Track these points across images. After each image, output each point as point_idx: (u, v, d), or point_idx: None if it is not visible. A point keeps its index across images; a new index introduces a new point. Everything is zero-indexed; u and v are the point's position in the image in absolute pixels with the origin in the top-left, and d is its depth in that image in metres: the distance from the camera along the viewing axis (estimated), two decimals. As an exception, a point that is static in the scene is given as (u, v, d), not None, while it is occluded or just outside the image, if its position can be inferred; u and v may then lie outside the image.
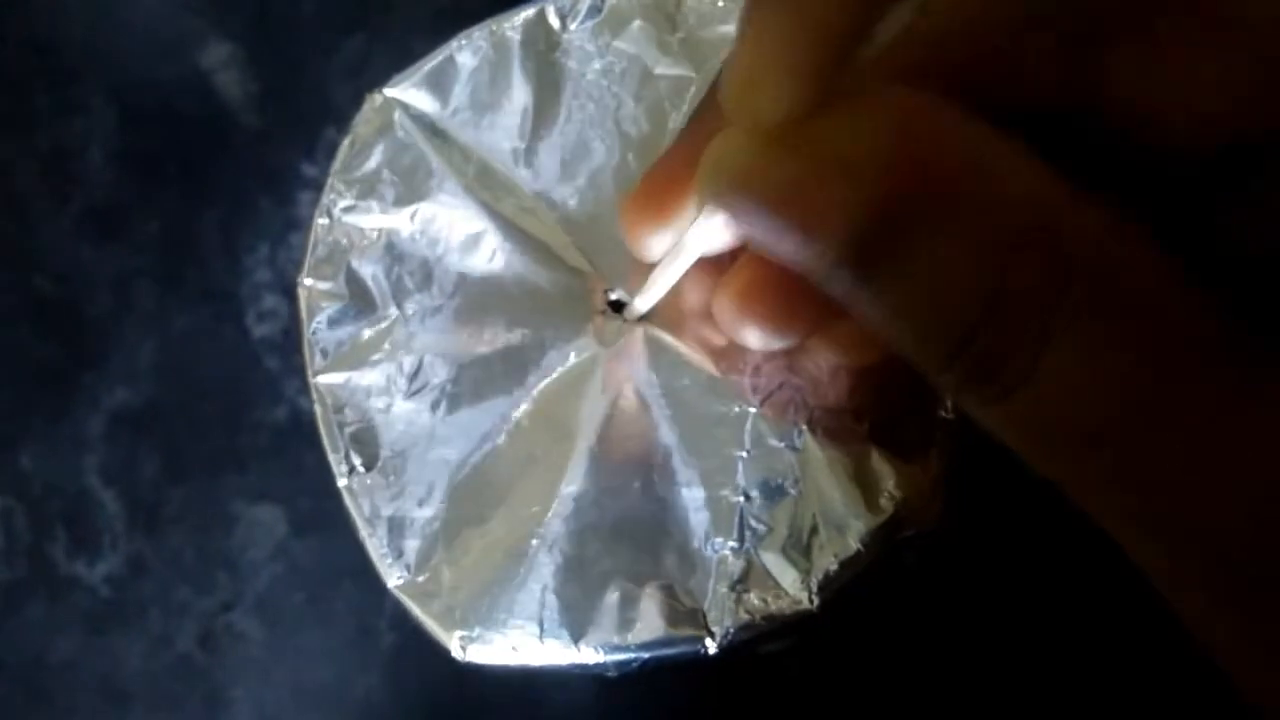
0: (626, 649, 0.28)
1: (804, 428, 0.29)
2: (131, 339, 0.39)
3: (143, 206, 0.41)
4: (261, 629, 0.37)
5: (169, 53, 0.42)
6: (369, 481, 0.29)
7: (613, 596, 0.28)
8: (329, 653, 0.36)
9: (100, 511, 0.38)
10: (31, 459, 0.38)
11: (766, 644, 0.30)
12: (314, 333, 0.31)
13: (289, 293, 0.39)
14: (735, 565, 0.29)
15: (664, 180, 0.25)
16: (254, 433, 0.38)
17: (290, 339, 0.39)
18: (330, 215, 0.32)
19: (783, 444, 0.29)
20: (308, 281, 0.31)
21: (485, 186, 0.32)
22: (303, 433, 0.38)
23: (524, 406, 0.30)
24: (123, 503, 0.38)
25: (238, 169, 0.41)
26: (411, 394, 0.30)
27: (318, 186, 0.40)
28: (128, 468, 0.38)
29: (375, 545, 0.29)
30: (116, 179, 0.41)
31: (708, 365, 0.30)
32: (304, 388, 0.38)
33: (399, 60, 0.33)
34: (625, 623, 0.28)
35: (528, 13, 0.32)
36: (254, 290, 0.39)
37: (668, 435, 0.29)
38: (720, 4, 0.32)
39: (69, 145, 0.41)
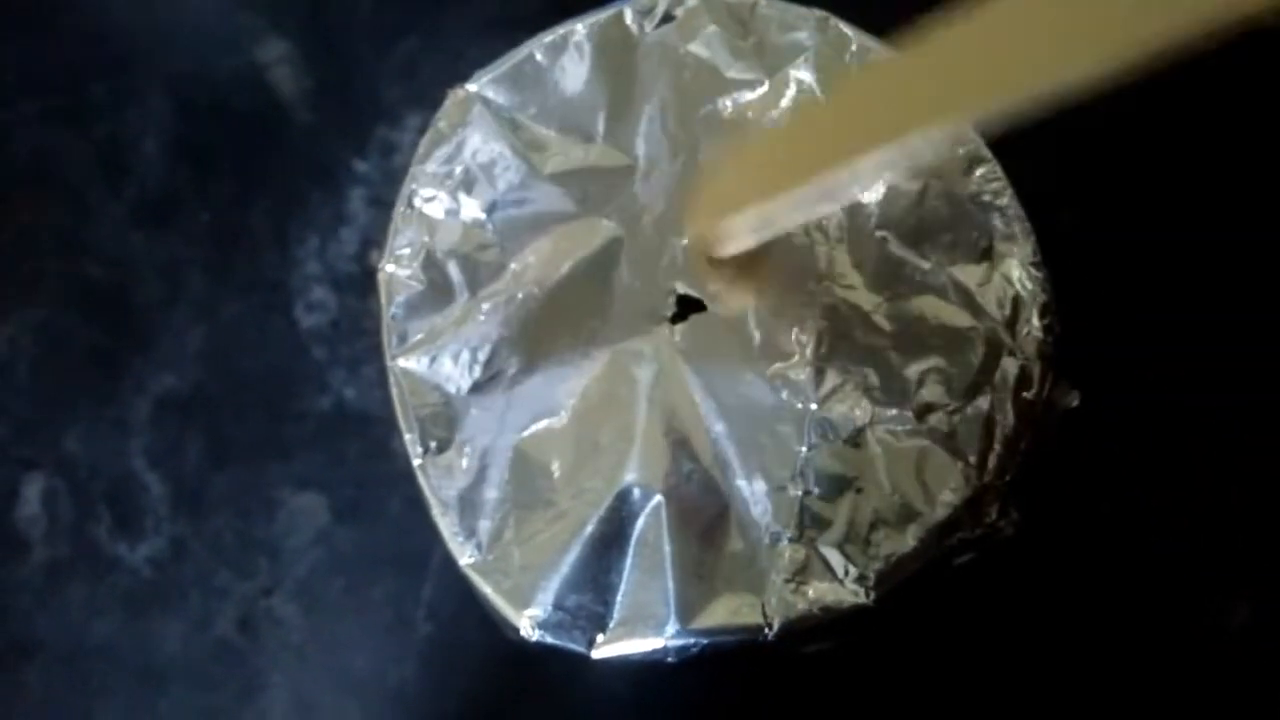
0: (686, 635, 0.29)
1: (865, 425, 0.30)
2: (180, 326, 0.40)
3: (195, 197, 0.41)
4: (300, 615, 0.37)
5: (225, 47, 0.43)
6: (443, 462, 0.30)
7: (675, 583, 0.29)
8: (366, 641, 0.37)
9: (144, 494, 0.38)
10: (78, 440, 0.39)
11: (817, 641, 0.30)
12: (393, 317, 0.31)
13: (338, 285, 0.40)
14: (794, 557, 0.29)
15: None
16: (299, 421, 0.39)
17: (338, 330, 0.39)
18: (411, 204, 0.32)
19: (844, 440, 0.30)
20: (388, 268, 0.32)
21: (561, 182, 0.32)
22: (347, 423, 0.39)
23: (592, 395, 0.31)
24: (167, 486, 0.38)
25: (289, 163, 0.42)
26: (484, 379, 0.31)
27: (368, 182, 0.41)
28: (173, 452, 0.39)
29: (448, 524, 0.30)
30: (170, 169, 0.42)
31: (770, 362, 0.31)
32: (350, 378, 0.39)
33: (450, 64, 0.34)
34: (685, 609, 0.29)
35: (606, 14, 0.33)
36: (303, 281, 0.40)
37: (731, 429, 0.30)
38: (792, 11, 0.34)
39: (124, 135, 0.42)
